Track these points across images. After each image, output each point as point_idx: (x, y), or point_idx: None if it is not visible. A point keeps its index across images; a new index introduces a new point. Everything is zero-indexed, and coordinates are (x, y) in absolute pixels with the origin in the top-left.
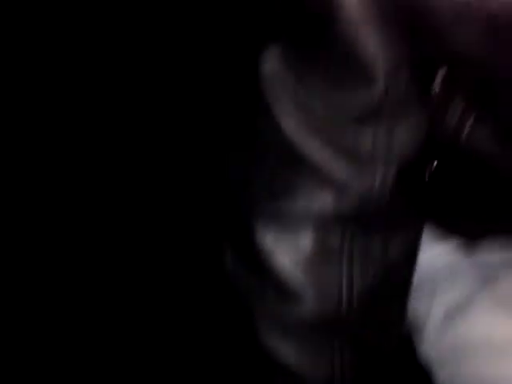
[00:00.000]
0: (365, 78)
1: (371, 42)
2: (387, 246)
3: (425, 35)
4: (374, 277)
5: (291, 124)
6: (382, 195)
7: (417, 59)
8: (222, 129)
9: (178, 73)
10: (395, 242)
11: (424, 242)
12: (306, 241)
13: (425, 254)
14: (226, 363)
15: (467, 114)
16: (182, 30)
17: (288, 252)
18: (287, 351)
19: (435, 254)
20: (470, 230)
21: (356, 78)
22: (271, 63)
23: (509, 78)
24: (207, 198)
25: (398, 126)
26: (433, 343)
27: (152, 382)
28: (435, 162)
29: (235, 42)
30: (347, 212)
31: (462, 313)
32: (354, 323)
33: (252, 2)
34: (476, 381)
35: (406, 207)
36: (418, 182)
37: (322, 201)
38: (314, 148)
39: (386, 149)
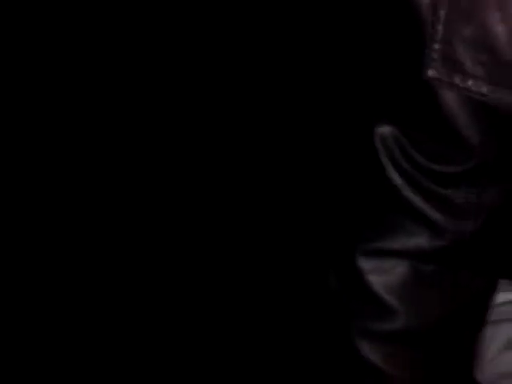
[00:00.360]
0: (462, 153)
1: (466, 125)
2: (472, 280)
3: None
4: (459, 303)
5: (397, 177)
6: (470, 240)
7: (503, 140)
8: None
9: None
10: (479, 277)
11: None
12: (402, 268)
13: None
14: (323, 367)
15: None
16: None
17: (386, 277)
18: (376, 358)
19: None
20: None
21: (454, 153)
22: (387, 128)
23: None
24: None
25: (487, 189)
26: (493, 363)
27: None
28: None
29: (358, 111)
30: (440, 249)
31: None
32: (436, 339)
33: (372, 89)
34: None
35: (489, 251)
36: (499, 231)
37: (420, 240)
38: (417, 200)
39: (477, 205)
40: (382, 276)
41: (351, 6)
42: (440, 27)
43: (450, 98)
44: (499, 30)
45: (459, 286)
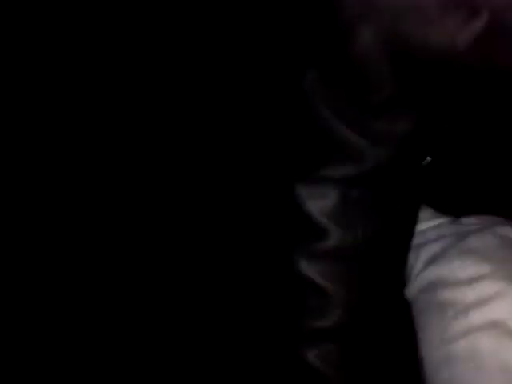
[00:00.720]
0: (371, 87)
1: (377, 67)
2: (393, 204)
3: None
4: (381, 224)
5: (327, 115)
6: (387, 166)
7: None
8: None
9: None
10: (398, 202)
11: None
12: (333, 193)
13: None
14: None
15: None
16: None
17: (319, 202)
18: (314, 274)
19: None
20: (456, 209)
21: (364, 89)
22: (314, 72)
23: None
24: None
25: (401, 117)
26: (416, 280)
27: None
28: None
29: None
30: (363, 177)
31: (438, 260)
32: (364, 257)
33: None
34: (441, 304)
35: (404, 179)
36: (414, 163)
37: (346, 169)
38: (341, 132)
39: (393, 132)
40: (317, 200)
41: None
42: None
43: (362, 41)
44: None
45: (381, 208)
